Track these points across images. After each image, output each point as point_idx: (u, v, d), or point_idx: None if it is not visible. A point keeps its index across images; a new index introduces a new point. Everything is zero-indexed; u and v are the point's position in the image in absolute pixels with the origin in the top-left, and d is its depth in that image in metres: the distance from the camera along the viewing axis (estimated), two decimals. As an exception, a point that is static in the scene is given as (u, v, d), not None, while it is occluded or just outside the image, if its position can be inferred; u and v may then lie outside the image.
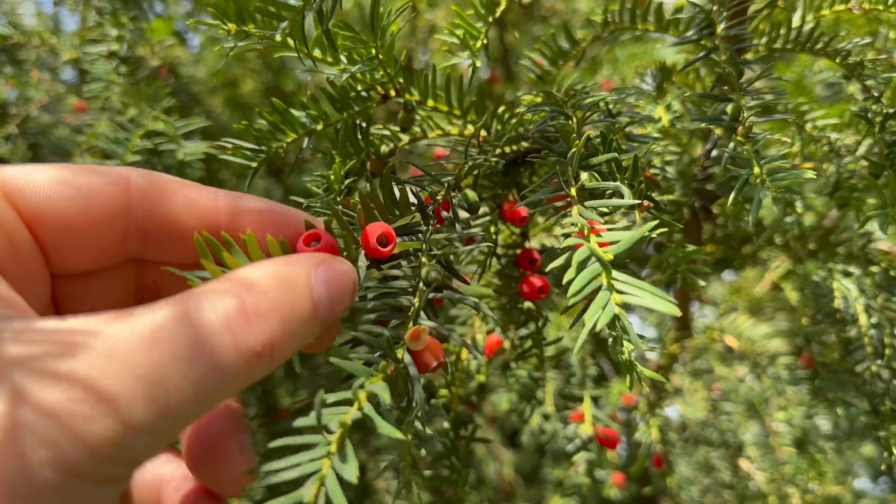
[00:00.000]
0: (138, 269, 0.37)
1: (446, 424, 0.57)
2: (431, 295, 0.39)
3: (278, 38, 0.41)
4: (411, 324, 0.37)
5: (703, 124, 0.45)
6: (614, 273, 0.35)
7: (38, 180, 0.31)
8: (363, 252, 0.39)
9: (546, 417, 0.92)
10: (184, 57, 1.22)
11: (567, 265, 0.36)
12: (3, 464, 0.21)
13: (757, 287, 1.17)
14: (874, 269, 0.71)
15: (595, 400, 0.79)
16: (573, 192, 0.41)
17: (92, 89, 0.91)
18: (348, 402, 0.30)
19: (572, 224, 0.38)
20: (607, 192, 0.41)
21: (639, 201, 0.41)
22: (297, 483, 0.28)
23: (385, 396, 0.30)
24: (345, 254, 0.39)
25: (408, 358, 0.35)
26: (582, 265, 0.35)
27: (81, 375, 0.23)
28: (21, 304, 0.27)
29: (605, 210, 0.40)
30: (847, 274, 0.68)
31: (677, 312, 0.33)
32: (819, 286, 0.71)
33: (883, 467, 0.66)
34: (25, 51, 1.15)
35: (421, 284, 0.39)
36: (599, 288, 0.34)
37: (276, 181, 1.77)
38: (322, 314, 0.31)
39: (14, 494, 0.21)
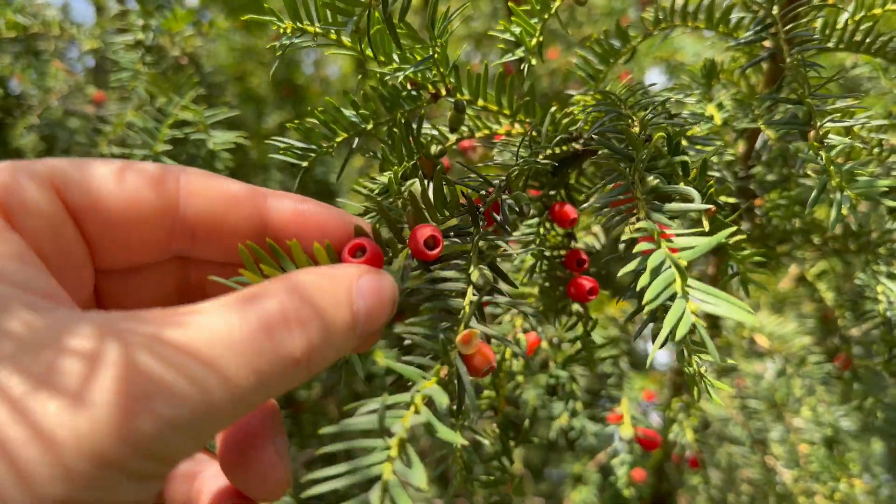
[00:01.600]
0: (183, 267, 0.36)
1: (495, 426, 0.56)
2: (482, 298, 0.38)
3: (347, 34, 0.40)
4: (462, 327, 0.36)
5: (776, 128, 0.44)
6: (689, 280, 0.34)
7: (88, 175, 0.31)
8: (410, 253, 0.38)
9: (574, 414, 0.92)
10: (205, 54, 1.21)
11: (639, 270, 0.36)
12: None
13: (780, 283, 1.16)
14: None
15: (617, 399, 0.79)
16: (639, 195, 0.40)
17: (121, 78, 0.90)
18: (405, 406, 0.30)
19: (642, 229, 0.37)
20: (674, 195, 0.41)
21: (707, 206, 0.40)
22: (347, 490, 0.27)
23: (441, 400, 0.30)
24: (390, 254, 0.39)
25: (459, 362, 0.34)
26: (656, 271, 0.34)
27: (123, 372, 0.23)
28: (64, 298, 0.27)
29: (675, 215, 0.40)
30: (892, 276, 0.67)
31: (754, 320, 0.33)
32: (862, 288, 0.70)
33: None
34: (45, 41, 1.14)
35: (471, 288, 0.38)
36: (675, 295, 0.34)
37: (291, 175, 1.77)
38: (361, 326, 0.31)
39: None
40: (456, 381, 0.34)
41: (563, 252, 0.57)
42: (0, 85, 1.08)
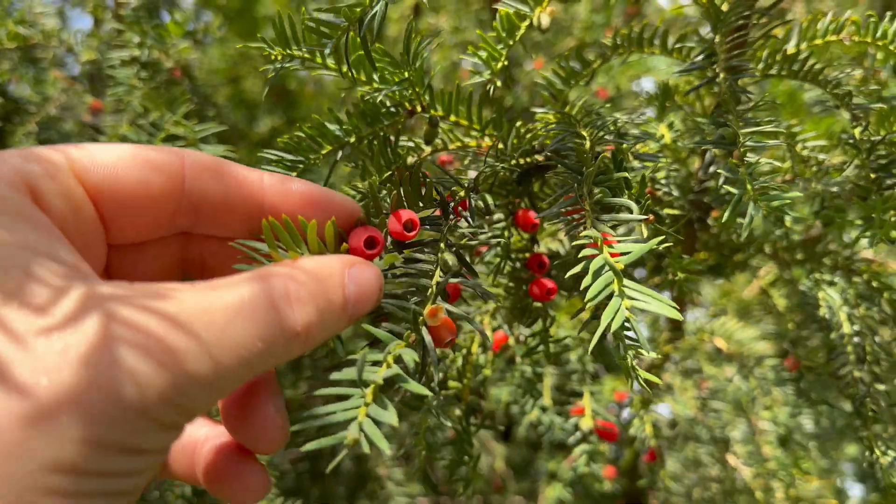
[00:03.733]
0: (185, 242, 0.40)
1: (458, 412, 0.61)
2: (448, 279, 0.44)
3: (325, 55, 0.45)
4: (430, 303, 0.42)
5: (704, 147, 0.49)
6: (625, 281, 0.39)
7: (104, 158, 0.34)
8: (388, 233, 0.44)
9: (544, 410, 0.97)
10: (198, 59, 1.26)
11: (583, 273, 0.41)
12: (94, 387, 0.25)
13: (745, 291, 1.22)
14: (856, 279, 0.76)
15: (591, 395, 0.84)
16: (587, 206, 0.46)
17: (116, 93, 0.95)
18: (378, 364, 0.35)
19: (588, 237, 0.43)
20: (617, 207, 0.46)
21: (645, 216, 0.46)
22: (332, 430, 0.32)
23: (410, 358, 0.35)
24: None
25: (425, 332, 0.40)
26: (597, 273, 0.40)
27: (151, 330, 0.27)
28: (89, 271, 0.30)
29: (618, 224, 0.45)
30: (831, 284, 0.73)
31: (680, 317, 0.38)
32: (806, 295, 0.76)
33: (865, 465, 0.71)
34: (44, 50, 1.17)
35: (439, 269, 0.44)
36: (612, 294, 0.39)
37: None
38: (351, 310, 0.35)
39: (102, 414, 0.25)
40: (422, 349, 0.40)
41: (526, 255, 0.62)
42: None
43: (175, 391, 0.26)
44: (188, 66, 1.23)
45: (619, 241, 0.42)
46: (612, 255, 0.41)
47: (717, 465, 1.07)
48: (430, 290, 0.42)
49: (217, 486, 0.36)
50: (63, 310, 0.26)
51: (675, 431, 1.16)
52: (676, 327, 0.96)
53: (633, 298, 0.38)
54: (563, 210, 0.48)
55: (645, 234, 0.49)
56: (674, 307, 0.38)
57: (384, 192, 0.48)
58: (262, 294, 0.30)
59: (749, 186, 0.42)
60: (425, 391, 0.34)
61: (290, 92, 1.92)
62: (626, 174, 0.46)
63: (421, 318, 0.40)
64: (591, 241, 0.42)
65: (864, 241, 0.54)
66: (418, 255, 0.45)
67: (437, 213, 0.49)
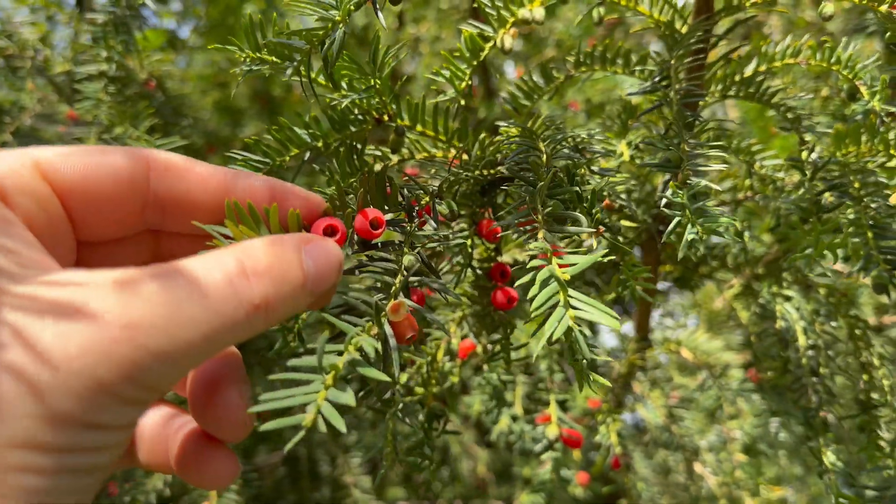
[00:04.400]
0: (155, 239, 0.41)
1: (421, 418, 0.63)
2: (411, 279, 0.46)
3: (288, 73, 0.47)
4: (392, 299, 0.43)
5: (651, 169, 0.51)
6: (570, 292, 0.41)
7: (70, 158, 0.35)
8: (354, 232, 0.46)
9: (514, 419, 0.99)
10: (173, 71, 1.27)
11: (532, 283, 0.43)
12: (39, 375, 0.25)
13: (715, 302, 1.25)
14: (814, 295, 0.78)
15: (562, 404, 0.86)
16: (539, 218, 0.48)
17: (82, 106, 0.96)
18: (339, 353, 0.36)
19: (538, 247, 0.45)
20: (568, 219, 0.48)
21: (594, 229, 0.48)
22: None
23: (370, 346, 0.36)
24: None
25: (387, 327, 0.41)
26: (544, 284, 0.42)
27: (111, 309, 0.27)
28: (52, 265, 0.31)
29: (568, 235, 0.47)
30: (788, 298, 0.75)
31: (619, 327, 0.40)
32: (764, 308, 0.78)
33: (818, 474, 0.73)
34: (20, 60, 1.18)
35: (402, 268, 0.46)
36: (557, 304, 0.41)
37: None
38: (311, 284, 0.36)
39: (52, 401, 0.25)
40: (382, 343, 0.41)
41: (490, 265, 0.64)
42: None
43: (134, 367, 0.27)
44: (163, 77, 1.24)
45: (567, 253, 0.44)
46: (561, 265, 0.43)
47: (683, 472, 1.09)
48: (393, 287, 0.44)
49: (187, 472, 0.37)
50: (29, 291, 0.27)
51: (646, 439, 1.18)
52: (644, 337, 0.98)
53: (576, 308, 0.40)
54: (516, 220, 0.50)
55: (595, 246, 0.51)
56: (614, 317, 0.40)
57: (350, 194, 0.50)
58: (216, 268, 0.31)
59: (687, 210, 0.44)
60: (384, 377, 0.35)
61: (274, 98, 1.94)
62: (577, 188, 0.48)
63: (383, 312, 0.41)
64: (541, 251, 0.44)
65: (807, 269, 0.56)
66: (384, 254, 0.47)
67: (403, 216, 0.51)
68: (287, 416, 0.32)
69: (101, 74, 0.95)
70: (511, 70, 2.01)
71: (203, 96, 2.04)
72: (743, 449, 1.00)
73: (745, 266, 0.81)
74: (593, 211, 0.50)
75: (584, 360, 0.49)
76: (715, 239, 0.90)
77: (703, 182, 0.45)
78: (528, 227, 0.49)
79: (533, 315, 0.42)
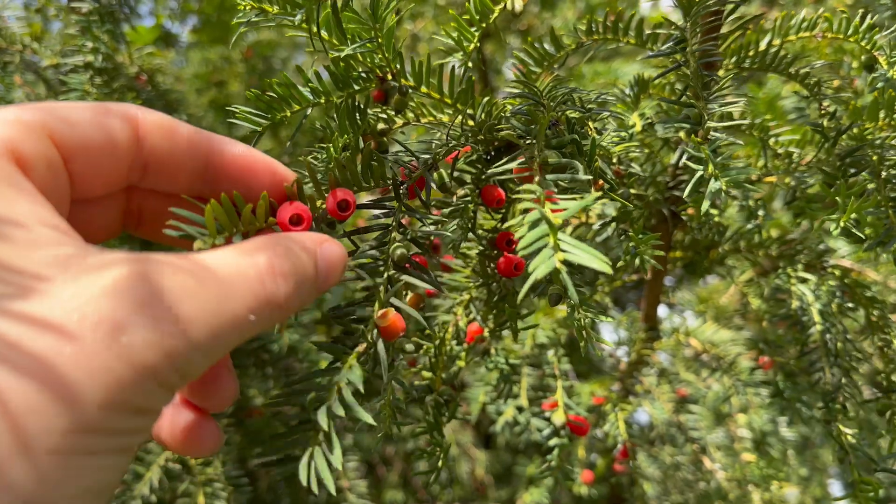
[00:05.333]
0: (127, 195, 0.41)
1: (430, 401, 0.61)
2: (396, 274, 0.44)
3: (295, 22, 0.45)
4: (377, 305, 0.42)
5: (670, 127, 0.49)
6: (560, 235, 0.39)
7: (74, 117, 0.35)
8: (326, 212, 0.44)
9: (520, 410, 0.96)
10: (164, 64, 1.25)
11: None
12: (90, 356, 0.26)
13: (724, 297, 1.23)
14: (830, 280, 0.76)
15: (566, 391, 0.84)
16: (535, 166, 0.46)
17: (68, 98, 0.94)
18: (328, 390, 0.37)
19: (529, 191, 0.42)
20: (566, 168, 0.46)
21: (591, 177, 0.45)
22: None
23: (357, 378, 0.38)
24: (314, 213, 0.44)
25: (377, 335, 0.41)
26: (533, 225, 0.39)
27: (168, 301, 0.29)
28: (75, 234, 0.31)
29: (565, 185, 0.45)
30: (803, 280, 0.73)
31: (609, 270, 0.37)
32: (778, 289, 0.76)
33: (832, 460, 0.71)
34: (9, 54, 1.17)
35: (389, 262, 0.44)
36: (546, 246, 0.39)
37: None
38: (320, 283, 0.38)
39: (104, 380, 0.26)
40: (374, 352, 0.41)
41: (494, 234, 0.62)
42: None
43: (180, 356, 0.29)
44: (154, 71, 1.22)
45: (561, 199, 0.42)
46: (554, 210, 0.41)
47: (691, 468, 1.07)
48: (378, 292, 0.43)
49: (174, 441, 0.38)
50: (72, 277, 0.27)
51: (653, 435, 1.16)
52: (653, 328, 0.95)
53: (565, 251, 0.38)
54: (513, 168, 0.48)
55: (592, 195, 0.49)
56: (604, 260, 0.37)
57: (330, 165, 0.48)
58: (253, 268, 0.33)
59: (710, 163, 0.42)
60: (369, 419, 0.38)
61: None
62: (576, 137, 0.46)
63: (372, 323, 0.41)
64: (534, 196, 0.42)
65: (833, 232, 0.54)
66: (365, 247, 0.46)
67: (390, 192, 0.49)
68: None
69: (88, 66, 0.93)
70: (508, 70, 2.00)
71: (199, 96, 2.02)
72: (753, 444, 0.98)
73: (758, 248, 0.79)
74: (592, 163, 0.48)
75: (585, 320, 0.47)
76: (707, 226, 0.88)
77: (726, 137, 0.43)
78: (525, 175, 0.47)
79: (520, 254, 0.39)
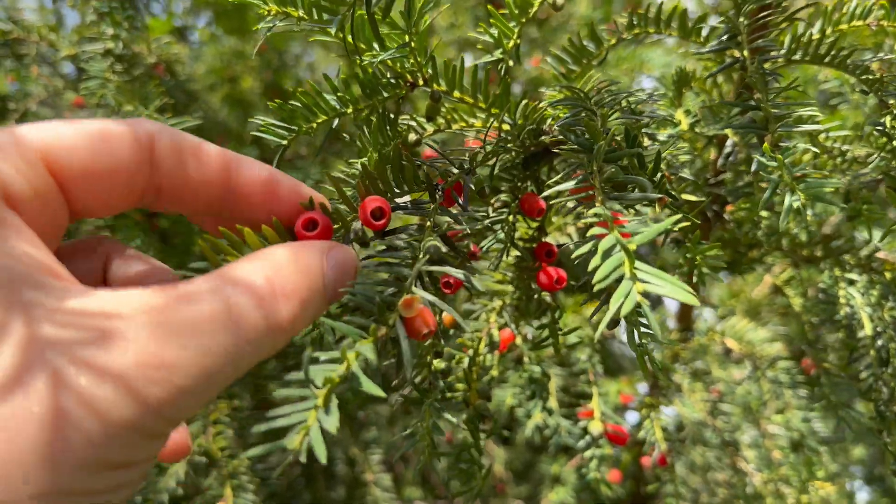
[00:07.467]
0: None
1: (466, 418, 0.58)
2: (427, 268, 0.40)
3: (332, 30, 0.42)
4: (406, 292, 0.38)
5: (734, 130, 0.46)
6: (637, 263, 0.36)
7: (72, 144, 0.32)
8: (361, 223, 0.41)
9: (550, 413, 0.94)
10: (182, 54, 1.22)
11: (591, 253, 0.37)
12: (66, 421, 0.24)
13: (755, 291, 1.19)
14: (878, 279, 0.73)
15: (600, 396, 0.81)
16: (597, 183, 0.42)
17: (88, 86, 0.91)
18: (338, 361, 0.31)
19: (596, 214, 0.39)
20: (630, 186, 0.42)
21: (660, 195, 0.42)
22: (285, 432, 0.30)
23: (371, 356, 0.32)
24: (339, 224, 0.42)
25: (399, 325, 0.36)
26: (607, 253, 0.36)
27: (142, 344, 0.26)
28: (66, 274, 0.29)
29: (630, 203, 0.41)
30: (852, 282, 0.69)
31: (696, 302, 0.34)
32: (825, 293, 0.72)
33: (877, 470, 0.68)
34: (25, 46, 1.15)
35: (420, 256, 0.40)
36: (622, 277, 0.35)
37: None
38: (329, 295, 0.35)
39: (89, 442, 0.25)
40: (394, 343, 0.36)
41: (533, 245, 0.59)
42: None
43: (167, 405, 0.26)
44: (173, 62, 1.19)
45: (630, 222, 0.39)
46: (623, 234, 0.37)
47: (727, 469, 1.04)
48: (408, 279, 0.39)
49: None
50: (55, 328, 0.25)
51: (683, 434, 1.13)
52: (686, 327, 0.92)
53: (645, 282, 0.35)
54: (570, 188, 0.44)
55: (658, 214, 0.46)
56: (690, 292, 0.34)
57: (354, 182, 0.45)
58: (245, 294, 0.30)
59: (786, 174, 0.38)
60: (379, 392, 0.31)
61: (286, 91, 1.89)
62: (640, 150, 0.42)
63: (394, 309, 0.36)
64: (601, 219, 0.38)
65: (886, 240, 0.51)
66: (398, 242, 0.42)
67: (426, 196, 0.46)
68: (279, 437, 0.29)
69: (108, 52, 0.90)
70: (526, 63, 1.96)
71: (212, 92, 1.98)
72: (791, 445, 0.95)
73: (802, 248, 0.75)
74: (656, 177, 0.45)
75: (647, 343, 0.43)
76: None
77: (801, 144, 0.39)
78: (582, 196, 0.44)
79: (595, 289, 0.36)
